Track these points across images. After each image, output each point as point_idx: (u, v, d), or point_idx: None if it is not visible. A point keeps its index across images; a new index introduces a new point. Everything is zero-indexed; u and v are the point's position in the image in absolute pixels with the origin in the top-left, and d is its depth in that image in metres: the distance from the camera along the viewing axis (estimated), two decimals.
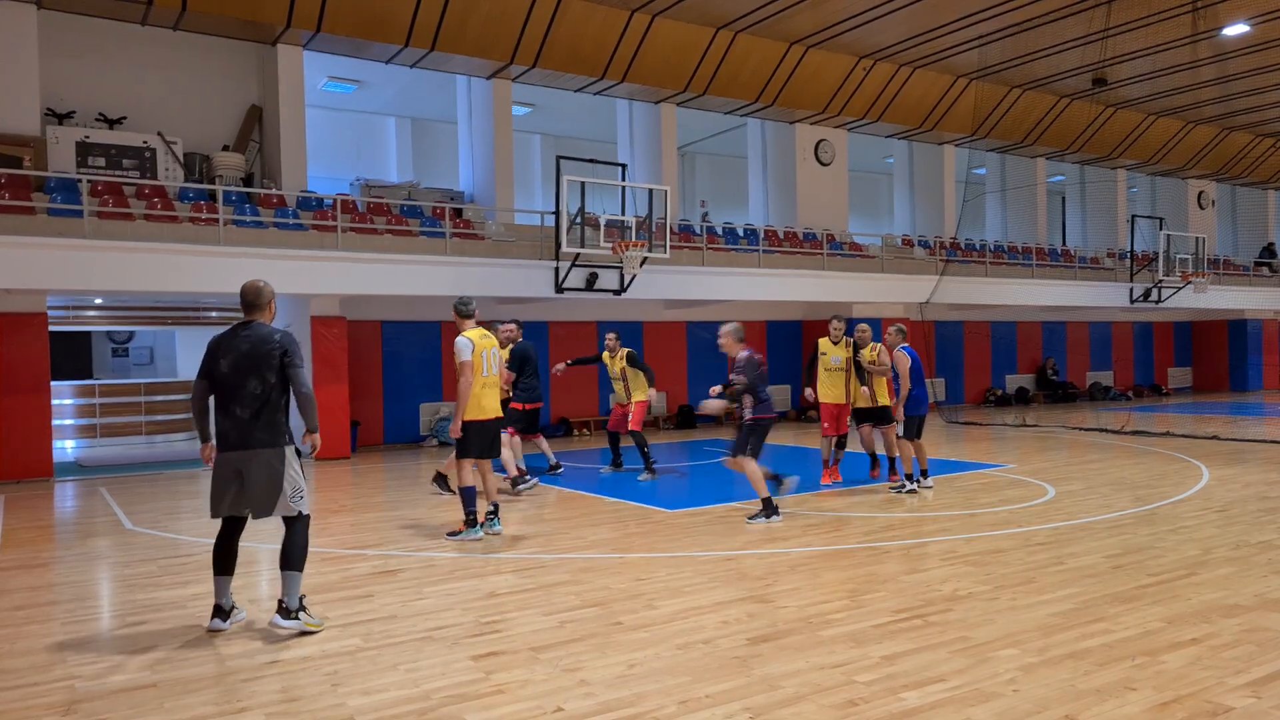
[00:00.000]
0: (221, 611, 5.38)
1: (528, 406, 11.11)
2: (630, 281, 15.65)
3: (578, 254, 14.96)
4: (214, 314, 18.40)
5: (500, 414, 8.17)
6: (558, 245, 14.88)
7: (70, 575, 6.91)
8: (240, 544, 5.51)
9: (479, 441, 7.90)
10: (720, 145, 24.08)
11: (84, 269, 11.92)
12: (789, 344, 20.77)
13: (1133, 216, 23.93)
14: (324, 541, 8.01)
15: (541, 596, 5.96)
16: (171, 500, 10.54)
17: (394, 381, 16.47)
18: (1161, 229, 23.12)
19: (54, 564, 7.30)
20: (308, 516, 5.42)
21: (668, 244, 15.53)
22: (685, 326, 19.18)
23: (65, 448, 16.56)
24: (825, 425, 10.77)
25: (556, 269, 15.23)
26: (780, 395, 20.55)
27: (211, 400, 5.40)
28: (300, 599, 5.29)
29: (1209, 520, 8.03)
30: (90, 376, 19.17)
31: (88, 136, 14.00)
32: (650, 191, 15.43)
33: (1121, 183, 27.25)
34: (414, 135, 21.28)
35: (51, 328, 14.11)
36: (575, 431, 17.66)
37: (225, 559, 5.41)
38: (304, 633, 5.24)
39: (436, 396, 16.85)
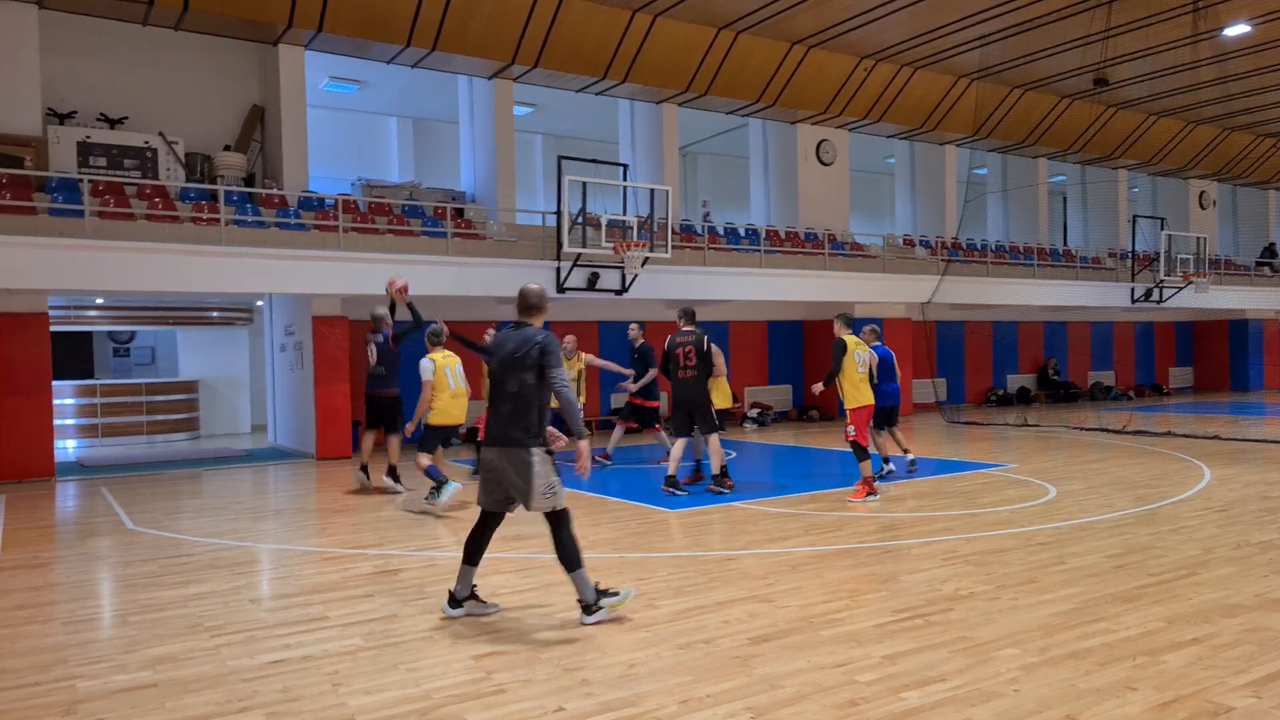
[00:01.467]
0: (454, 599, 5.53)
1: (645, 403, 12.41)
2: (632, 281, 15.65)
3: (579, 254, 14.96)
4: (215, 314, 18.42)
5: (462, 421, 9.74)
6: (559, 245, 14.88)
7: (71, 575, 6.91)
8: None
9: (441, 438, 9.79)
10: (722, 145, 24.08)
11: (85, 269, 11.93)
12: (790, 344, 20.78)
13: (1134, 216, 23.93)
14: (324, 541, 8.02)
15: (542, 596, 5.96)
16: (173, 500, 10.55)
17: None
18: (1163, 229, 23.12)
19: (55, 564, 7.31)
20: (565, 512, 5.41)
21: (669, 244, 15.54)
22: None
23: (67, 447, 16.57)
24: (858, 430, 9.60)
25: (558, 269, 15.23)
26: (781, 395, 20.57)
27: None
28: (595, 587, 5.36)
29: (1210, 520, 8.03)
30: (92, 376, 19.19)
31: (89, 136, 14.01)
32: (652, 191, 15.44)
33: (1123, 183, 27.24)
34: (415, 135, 21.29)
35: (53, 328, 14.13)
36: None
37: (473, 549, 5.54)
38: (617, 613, 5.38)
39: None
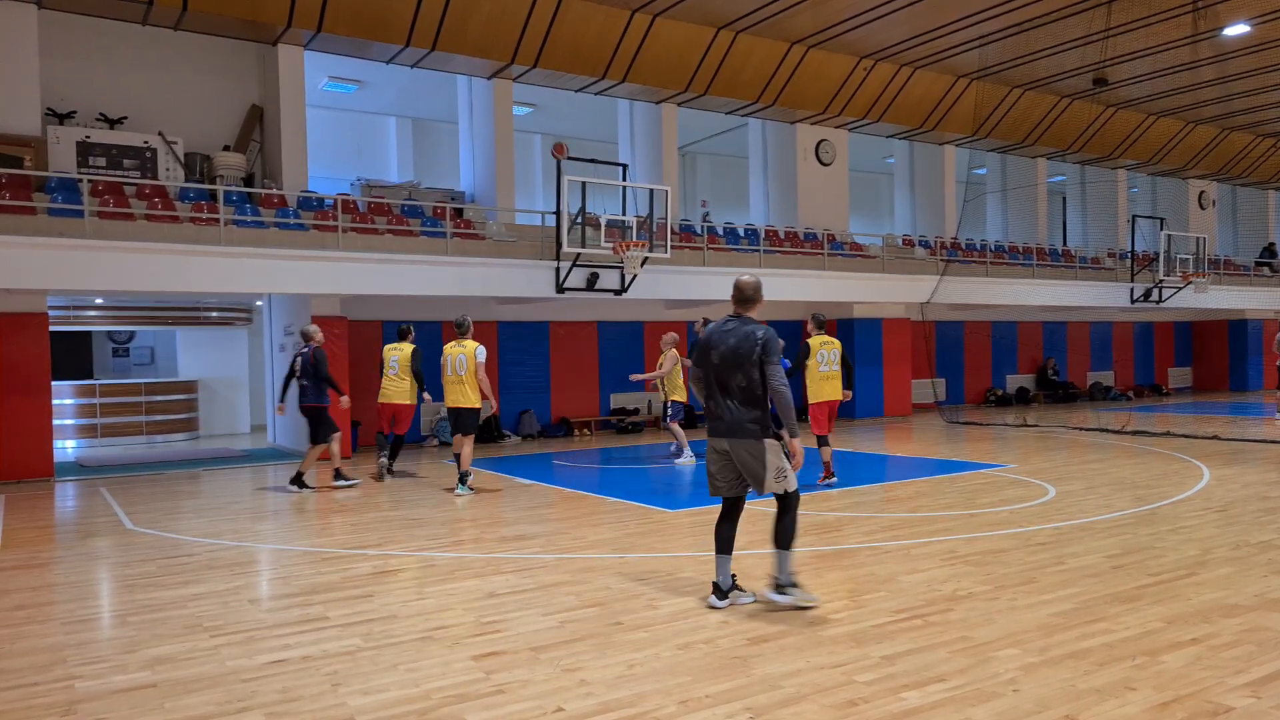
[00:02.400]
0: (719, 590, 5.58)
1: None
2: (631, 281, 15.65)
3: (579, 254, 14.96)
4: (214, 314, 18.41)
5: (456, 405, 10.60)
6: (559, 245, 14.88)
7: (70, 575, 6.91)
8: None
9: (450, 422, 10.87)
10: (721, 145, 24.07)
11: (84, 269, 11.92)
12: (789, 344, 20.72)
13: (1133, 216, 23.93)
14: (324, 541, 8.02)
15: (542, 596, 5.96)
16: (172, 500, 10.55)
17: None
18: (1162, 229, 23.12)
19: (54, 564, 7.31)
20: (797, 494, 5.54)
21: (668, 244, 15.54)
22: (687, 327, 19.16)
23: (66, 447, 16.57)
24: (814, 423, 10.54)
25: (557, 269, 15.23)
26: None
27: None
28: (791, 576, 5.49)
29: (1209, 520, 8.03)
30: (91, 376, 19.18)
31: (88, 136, 14.00)
32: (651, 191, 15.44)
33: (1122, 183, 27.24)
34: (415, 135, 21.28)
35: (52, 328, 14.12)
36: (575, 432, 17.66)
37: (724, 538, 5.62)
38: (798, 608, 5.44)
39: (437, 397, 16.81)
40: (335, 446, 11.24)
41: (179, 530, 8.61)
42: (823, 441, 10.48)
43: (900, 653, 4.70)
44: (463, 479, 10.48)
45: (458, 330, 10.78)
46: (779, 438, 5.54)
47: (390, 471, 12.10)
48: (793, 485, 5.52)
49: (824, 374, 10.36)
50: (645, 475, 11.92)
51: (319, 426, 11.07)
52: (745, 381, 5.44)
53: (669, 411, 13.21)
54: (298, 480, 11.00)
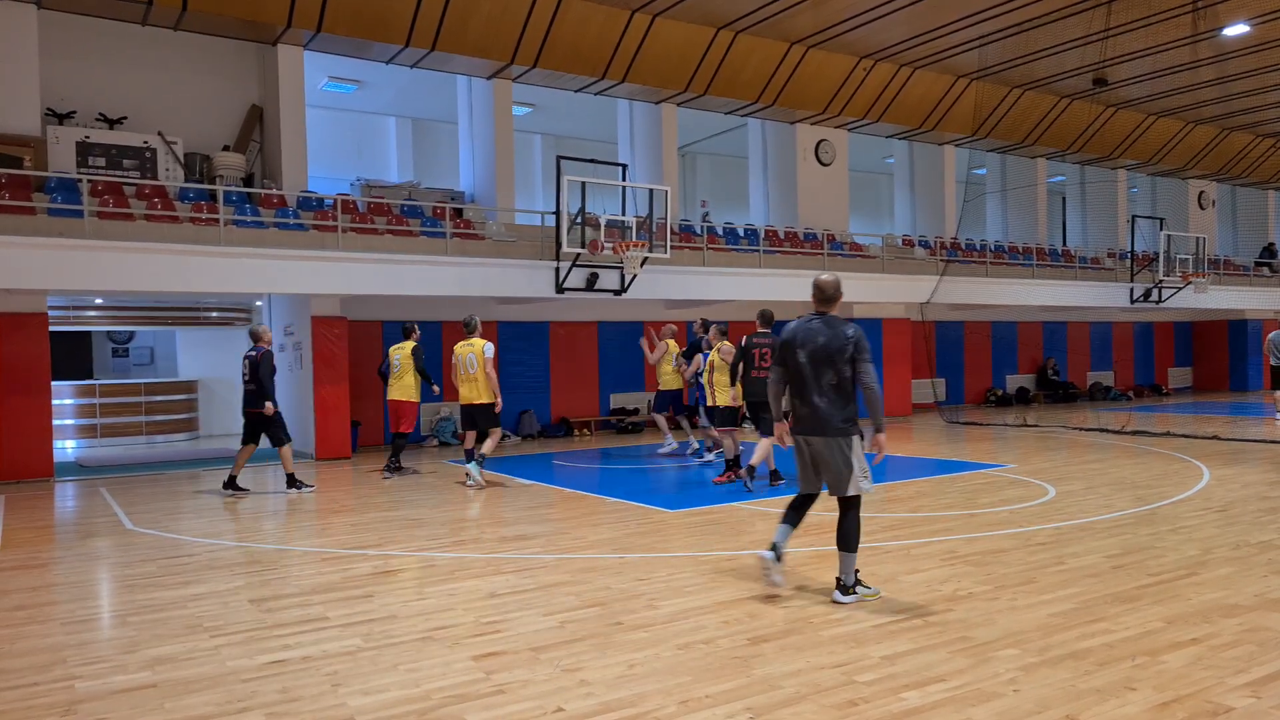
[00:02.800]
0: (776, 550, 5.68)
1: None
2: (631, 281, 15.65)
3: (578, 254, 14.96)
4: (214, 314, 18.40)
5: (470, 402, 11.00)
6: (558, 245, 14.88)
7: (70, 575, 6.91)
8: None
9: (462, 418, 11.28)
10: (721, 145, 24.07)
11: (84, 269, 11.92)
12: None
13: (1133, 217, 23.92)
14: (324, 541, 8.02)
15: (542, 596, 5.96)
16: (172, 500, 10.54)
17: None
18: (1162, 229, 23.11)
19: (54, 564, 7.31)
20: (859, 499, 5.65)
21: (668, 244, 15.54)
22: (687, 326, 19.17)
23: (65, 448, 16.56)
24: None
25: (557, 269, 15.22)
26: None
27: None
28: (855, 574, 5.64)
29: (1209, 520, 8.03)
30: (90, 376, 19.18)
31: (88, 136, 14.00)
32: (651, 191, 15.43)
33: (1122, 183, 27.24)
34: (414, 135, 21.28)
35: (52, 328, 14.11)
36: (575, 432, 17.66)
37: (796, 512, 5.79)
38: (864, 601, 5.63)
39: (437, 397, 16.84)
40: (287, 452, 11.10)
41: (179, 530, 8.61)
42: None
43: (900, 653, 4.70)
44: (479, 460, 10.88)
45: (466, 330, 11.18)
46: (862, 436, 5.69)
47: (396, 469, 12.17)
48: (869, 488, 5.65)
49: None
50: (645, 475, 11.92)
51: (272, 429, 10.91)
52: (836, 379, 5.54)
53: (655, 404, 13.94)
54: (292, 483, 11.04)
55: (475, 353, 10.88)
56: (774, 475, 10.42)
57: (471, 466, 10.88)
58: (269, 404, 10.76)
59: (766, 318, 10.56)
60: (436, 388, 12.24)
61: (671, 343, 13.41)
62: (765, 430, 10.21)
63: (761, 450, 10.12)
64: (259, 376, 10.75)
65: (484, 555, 7.22)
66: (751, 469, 10.13)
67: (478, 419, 11.04)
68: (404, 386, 11.90)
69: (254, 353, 10.84)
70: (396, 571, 6.77)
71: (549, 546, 7.51)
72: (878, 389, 5.56)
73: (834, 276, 5.80)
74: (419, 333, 12.22)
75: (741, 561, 6.81)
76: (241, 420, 11.14)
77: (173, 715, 4.11)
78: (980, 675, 4.37)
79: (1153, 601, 5.54)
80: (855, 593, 5.63)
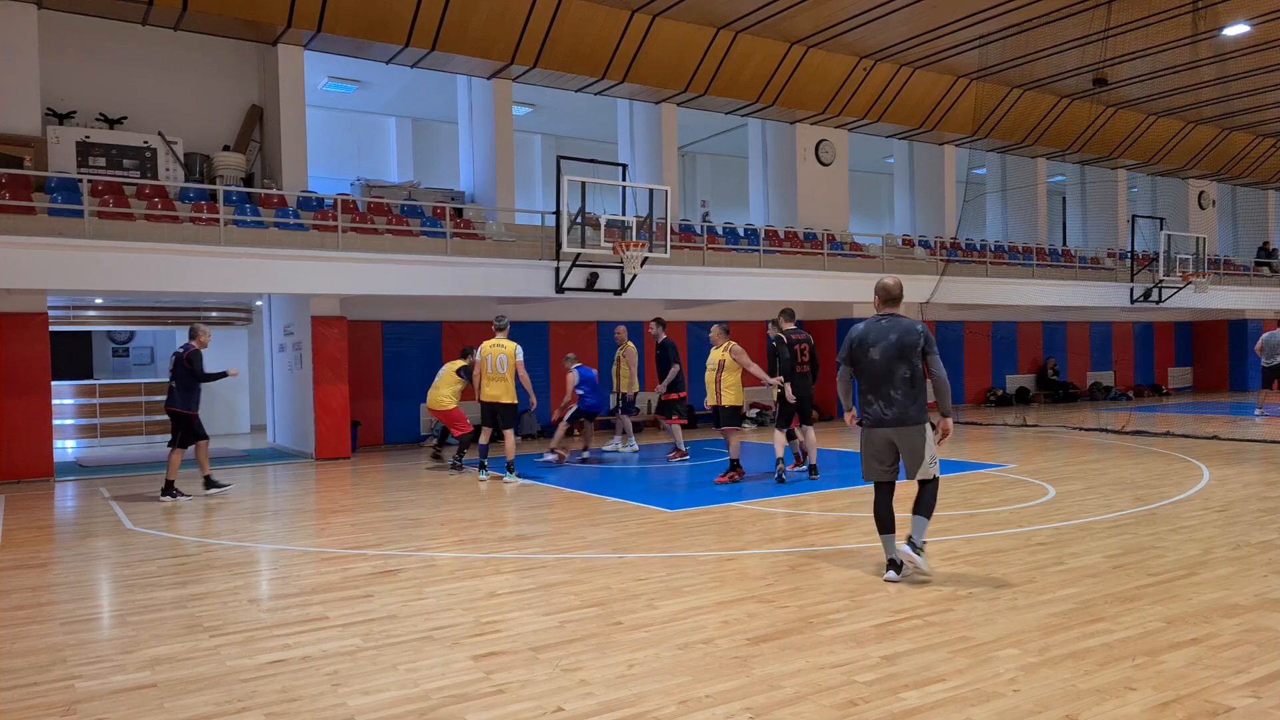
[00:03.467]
0: (895, 565, 6.09)
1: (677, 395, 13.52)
2: (631, 281, 15.65)
3: (578, 254, 14.96)
4: (214, 314, 18.40)
5: (496, 400, 11.26)
6: (558, 245, 14.88)
7: (70, 575, 6.91)
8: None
9: (483, 414, 11.55)
10: (721, 145, 24.08)
11: (84, 269, 11.92)
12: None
13: (1133, 216, 23.93)
14: (324, 541, 8.02)
15: (541, 596, 5.96)
16: (172, 500, 10.53)
17: (394, 381, 16.48)
18: (1162, 229, 23.12)
19: (54, 564, 7.31)
20: (938, 480, 6.16)
21: (668, 244, 15.54)
22: (686, 326, 19.18)
23: (66, 448, 16.57)
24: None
25: (557, 269, 15.23)
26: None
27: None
28: (923, 543, 6.11)
29: (1209, 520, 8.03)
30: (91, 376, 19.18)
31: (88, 136, 14.01)
32: (651, 191, 15.44)
33: (1122, 183, 27.25)
34: (414, 135, 21.29)
35: (52, 328, 14.13)
36: (575, 432, 17.61)
37: (887, 519, 6.14)
38: (919, 572, 6.08)
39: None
40: (200, 452, 10.76)
41: (179, 530, 8.61)
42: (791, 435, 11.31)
43: (900, 653, 4.70)
44: (509, 468, 11.30)
45: (496, 329, 11.57)
46: (933, 425, 6.11)
47: (456, 466, 12.63)
48: (939, 472, 6.16)
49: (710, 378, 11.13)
50: (645, 475, 11.92)
51: (186, 431, 10.51)
52: (909, 372, 5.96)
53: (625, 404, 14.29)
54: (211, 484, 10.78)
55: (506, 354, 11.26)
56: (812, 469, 11.06)
57: (508, 475, 11.29)
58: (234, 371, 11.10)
59: (791, 314, 11.03)
60: (533, 396, 12.58)
61: (631, 345, 14.02)
62: (806, 420, 10.99)
63: (811, 443, 11.03)
64: (178, 375, 10.42)
65: (484, 555, 7.22)
66: (814, 466, 10.98)
67: (501, 418, 11.41)
68: (439, 398, 12.48)
69: (181, 349, 10.55)
70: (396, 571, 6.77)
71: (549, 546, 7.51)
72: (946, 379, 6.03)
73: (896, 279, 6.24)
74: (474, 358, 12.08)
75: (742, 561, 6.81)
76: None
77: (173, 715, 4.10)
78: (980, 675, 4.37)
79: (1153, 601, 5.54)
80: (921, 554, 6.04)
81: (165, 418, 17.60)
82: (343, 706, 4.16)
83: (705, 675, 4.44)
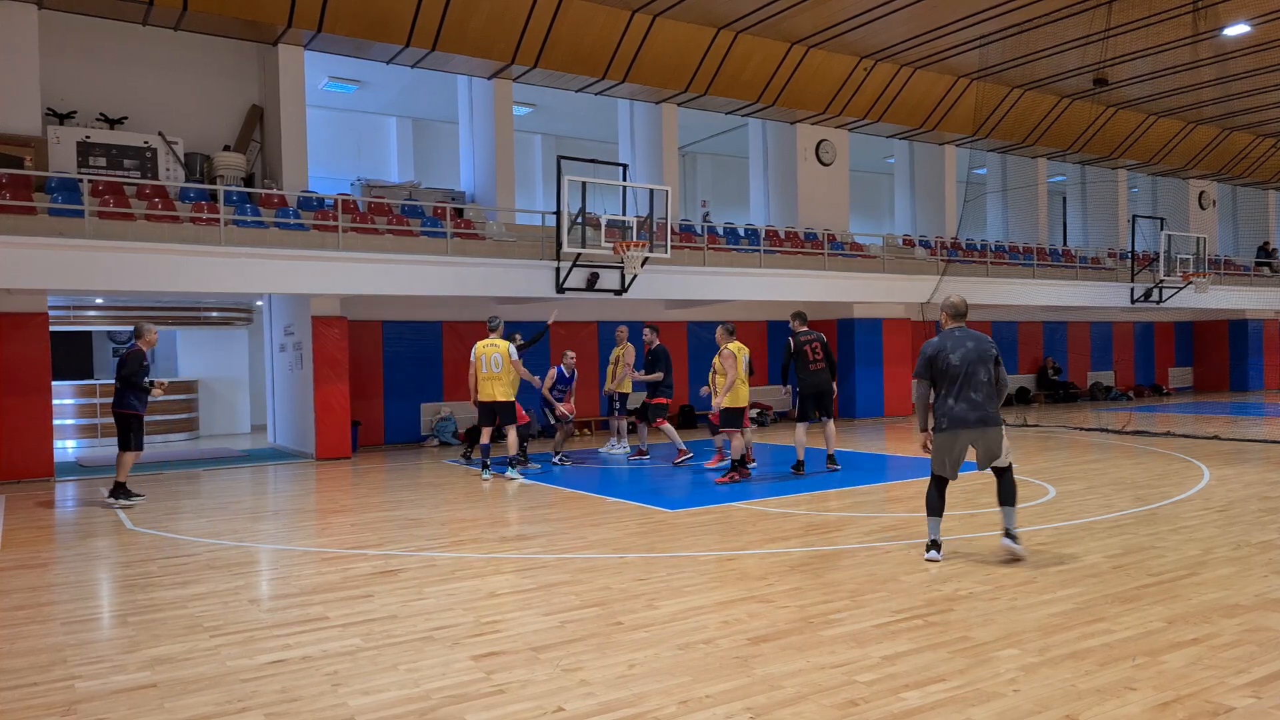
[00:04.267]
0: (936, 545, 6.71)
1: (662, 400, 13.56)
2: (631, 281, 15.65)
3: (579, 254, 14.96)
4: (214, 314, 18.41)
5: (493, 399, 11.38)
6: (559, 245, 14.88)
7: (70, 575, 6.91)
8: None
9: (481, 414, 11.66)
10: (721, 145, 24.08)
11: (85, 269, 11.92)
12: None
13: (1134, 216, 23.93)
14: (324, 541, 8.02)
15: (542, 596, 5.96)
16: (172, 500, 10.54)
17: (395, 381, 16.48)
18: (1162, 229, 23.11)
19: (54, 564, 7.31)
20: (1012, 465, 6.76)
21: (669, 244, 15.54)
22: (686, 326, 19.18)
23: (66, 447, 16.57)
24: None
25: (557, 269, 15.23)
26: (780, 395, 20.57)
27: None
28: (1015, 527, 6.70)
29: (1210, 520, 8.03)
30: (91, 376, 19.17)
31: (88, 136, 14.01)
32: (651, 191, 15.43)
33: (1122, 183, 27.24)
34: (415, 135, 21.29)
35: (52, 327, 14.12)
36: (576, 431, 17.64)
37: (940, 506, 6.73)
38: (1015, 555, 6.60)
39: (437, 396, 16.87)
40: (126, 460, 10.14)
41: (179, 530, 8.61)
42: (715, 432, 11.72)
43: (900, 653, 4.70)
44: (512, 463, 11.48)
45: (490, 329, 11.68)
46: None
47: (561, 459, 12.96)
48: (1012, 458, 6.80)
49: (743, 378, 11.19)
50: (645, 475, 11.91)
51: (127, 433, 10.03)
52: (988, 376, 6.59)
53: (620, 406, 14.39)
54: (120, 492, 10.12)
55: (500, 353, 11.38)
56: (831, 460, 11.71)
57: (511, 472, 11.42)
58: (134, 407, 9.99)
59: (803, 316, 11.60)
60: (536, 380, 12.70)
61: (629, 346, 14.08)
62: (828, 413, 11.61)
63: (831, 434, 11.76)
64: (121, 374, 9.94)
65: (484, 555, 7.22)
66: (832, 456, 11.73)
67: (500, 415, 11.51)
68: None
69: (124, 348, 10.26)
70: (396, 571, 6.77)
71: (549, 546, 7.51)
72: (1008, 384, 6.83)
73: (961, 296, 6.90)
74: (518, 339, 12.35)
75: (742, 561, 6.81)
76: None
77: (173, 715, 4.10)
78: (980, 675, 4.37)
79: (1153, 601, 5.54)
80: (1018, 541, 6.61)
81: (164, 418, 17.83)
82: (343, 706, 4.16)
83: (706, 675, 4.44)
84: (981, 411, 6.53)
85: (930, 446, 6.70)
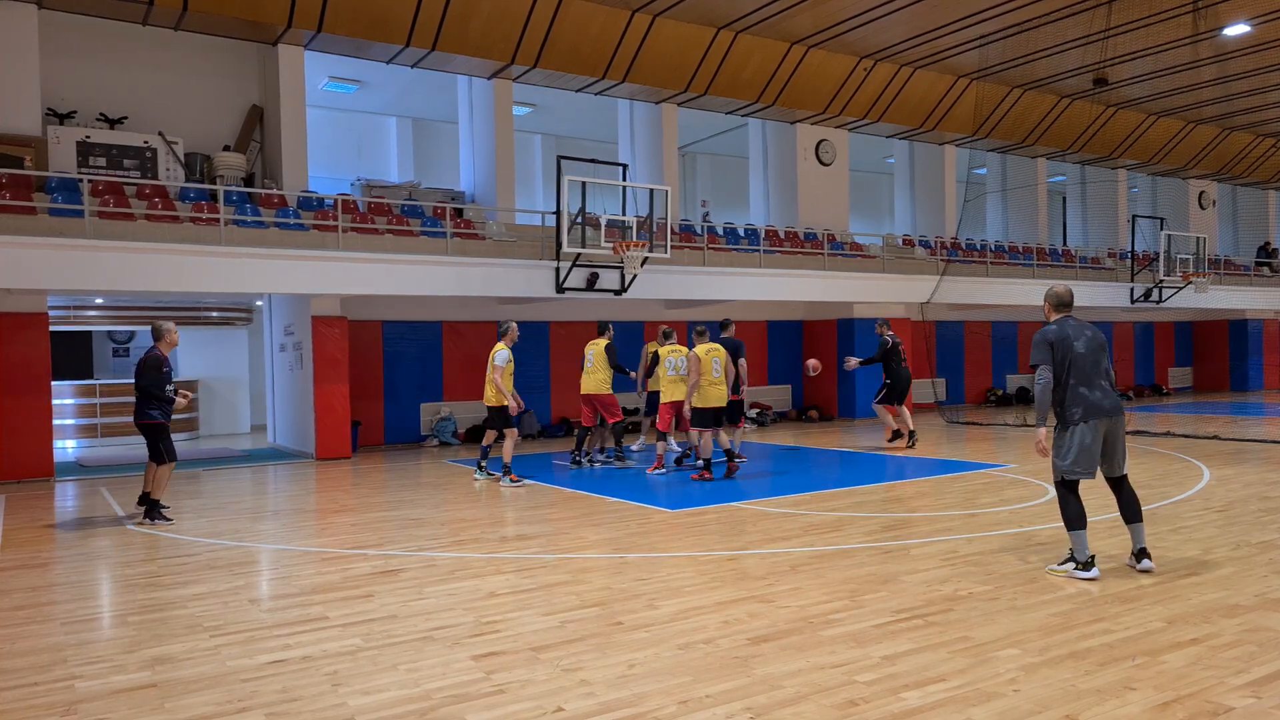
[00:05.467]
0: (1090, 563, 6.08)
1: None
2: (631, 281, 15.65)
3: (578, 254, 14.96)
4: (214, 314, 18.41)
5: (488, 402, 11.30)
6: (558, 245, 14.88)
7: (70, 575, 6.91)
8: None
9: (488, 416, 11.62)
10: (721, 145, 24.08)
11: (85, 269, 11.92)
12: (789, 344, 20.78)
13: (1133, 216, 23.93)
14: (324, 541, 8.02)
15: (542, 596, 5.96)
16: (172, 500, 10.52)
17: (395, 381, 16.48)
18: (1162, 229, 23.12)
19: (54, 564, 7.31)
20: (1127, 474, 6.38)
21: (668, 244, 15.54)
22: (687, 326, 19.17)
23: (66, 447, 16.57)
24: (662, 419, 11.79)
25: (557, 269, 15.23)
26: (780, 395, 20.59)
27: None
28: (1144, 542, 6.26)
29: (1209, 520, 8.03)
30: (91, 376, 19.17)
31: (89, 136, 14.01)
32: (651, 191, 15.43)
33: (1122, 183, 27.25)
34: (415, 135, 21.29)
35: (52, 327, 14.13)
36: (575, 432, 17.61)
37: (1080, 514, 6.14)
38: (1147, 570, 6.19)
39: (437, 396, 16.86)
40: (153, 472, 9.05)
41: (179, 530, 8.61)
42: (661, 436, 11.72)
43: (900, 653, 4.70)
44: (506, 471, 11.24)
45: (498, 333, 11.64)
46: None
47: (619, 456, 12.56)
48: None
49: (670, 378, 11.49)
50: (645, 475, 11.91)
51: (156, 444, 8.94)
52: (1109, 365, 6.32)
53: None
54: (153, 512, 9.00)
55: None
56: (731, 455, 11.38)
57: (503, 478, 11.27)
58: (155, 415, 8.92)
59: (886, 323, 13.08)
60: (633, 374, 13.00)
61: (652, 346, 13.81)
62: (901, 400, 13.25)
63: (906, 418, 13.36)
64: (139, 383, 8.88)
65: (484, 555, 7.22)
66: (913, 433, 13.40)
67: (492, 419, 11.51)
68: (597, 381, 12.10)
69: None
70: (396, 571, 6.77)
71: (549, 546, 7.51)
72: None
73: (1066, 285, 6.49)
74: (612, 330, 12.47)
75: (741, 561, 6.81)
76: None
77: (173, 715, 4.11)
78: (980, 675, 4.37)
79: (1153, 601, 5.54)
80: (1147, 560, 6.17)
81: None
82: (343, 706, 4.16)
83: (706, 675, 4.44)
84: (1114, 400, 6.19)
85: (1047, 446, 6.17)
